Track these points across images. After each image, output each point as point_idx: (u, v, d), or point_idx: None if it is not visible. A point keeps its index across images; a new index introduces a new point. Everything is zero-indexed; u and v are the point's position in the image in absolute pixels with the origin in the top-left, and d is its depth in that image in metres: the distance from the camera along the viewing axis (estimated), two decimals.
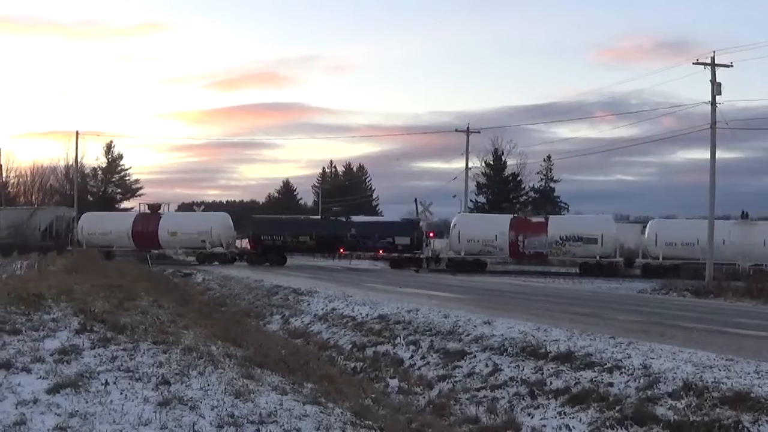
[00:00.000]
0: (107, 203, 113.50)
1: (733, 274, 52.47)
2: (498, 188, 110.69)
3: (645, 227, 65.41)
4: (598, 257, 63.65)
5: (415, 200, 74.16)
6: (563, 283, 52.77)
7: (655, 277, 53.76)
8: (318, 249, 71.04)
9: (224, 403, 10.02)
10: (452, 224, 68.94)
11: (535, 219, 68.93)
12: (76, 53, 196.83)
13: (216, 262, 67.63)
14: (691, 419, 12.20)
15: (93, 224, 72.48)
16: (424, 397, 17.12)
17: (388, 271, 64.46)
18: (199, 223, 71.92)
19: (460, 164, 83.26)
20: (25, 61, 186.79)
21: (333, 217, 74.15)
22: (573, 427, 13.44)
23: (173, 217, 74.95)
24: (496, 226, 66.70)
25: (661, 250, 61.93)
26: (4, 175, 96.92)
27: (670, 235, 62.75)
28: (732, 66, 52.83)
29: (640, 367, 15.28)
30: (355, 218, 73.94)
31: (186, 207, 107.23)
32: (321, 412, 10.28)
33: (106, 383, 10.63)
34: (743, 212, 65.21)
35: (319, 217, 78.14)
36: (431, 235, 68.16)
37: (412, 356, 20.86)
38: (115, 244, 70.11)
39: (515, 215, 70.97)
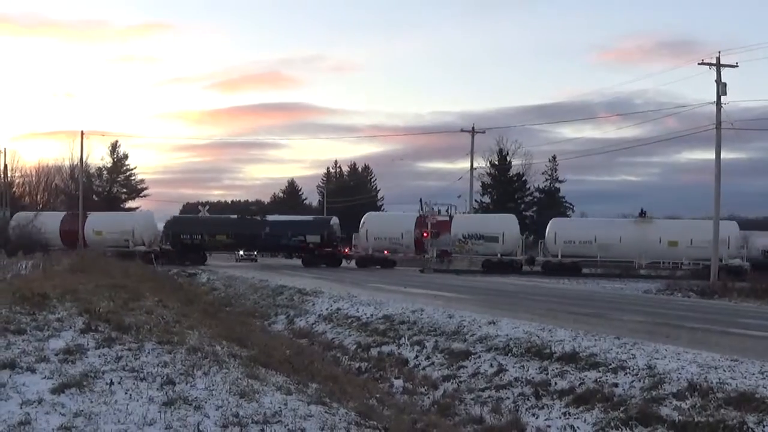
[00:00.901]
0: (112, 203, 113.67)
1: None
2: (503, 188, 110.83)
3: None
4: (499, 255, 67.08)
5: (420, 200, 74.41)
6: (568, 283, 52.73)
7: (555, 275, 58.78)
8: (235, 247, 72.15)
9: (229, 403, 10.02)
10: (361, 223, 72.06)
11: (439, 218, 72.32)
12: (80, 54, 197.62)
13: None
14: (695, 420, 12.19)
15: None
16: (428, 398, 17.11)
17: (300, 267, 66.26)
18: (123, 223, 74.54)
19: (464, 164, 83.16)
20: (29, 62, 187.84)
21: (249, 216, 77.02)
22: (578, 427, 13.43)
23: (99, 217, 77.09)
24: (402, 225, 70.66)
25: (560, 248, 65.46)
26: (9, 175, 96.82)
27: (569, 233, 66.64)
28: (737, 66, 52.85)
29: (645, 367, 15.27)
30: (270, 217, 76.08)
31: (191, 207, 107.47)
32: (325, 412, 10.28)
33: (111, 383, 10.63)
34: (641, 210, 69.49)
35: (236, 216, 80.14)
36: (437, 235, 68.23)
37: (416, 356, 20.85)
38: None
39: (420, 214, 73.82)
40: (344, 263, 72.72)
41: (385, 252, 71.26)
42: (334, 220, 75.12)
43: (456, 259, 70.65)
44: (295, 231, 71.84)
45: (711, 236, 57.26)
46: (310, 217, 77.57)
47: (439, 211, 72.68)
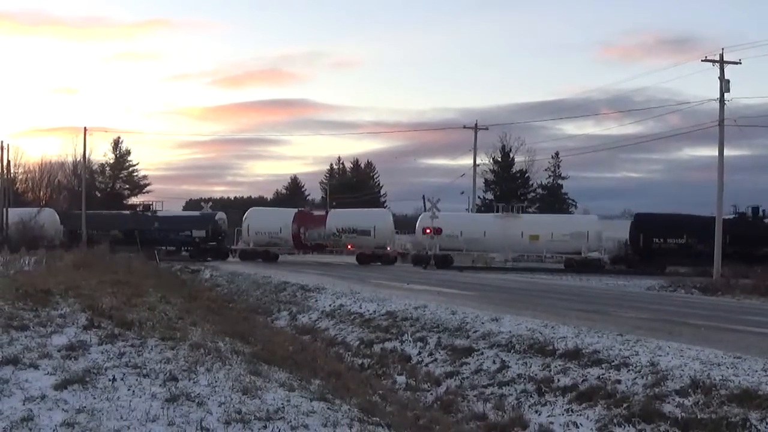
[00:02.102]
0: (115, 199, 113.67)
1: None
2: (506, 185, 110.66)
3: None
4: (371, 247, 70.15)
5: (423, 197, 74.58)
6: (570, 280, 52.70)
7: (440, 267, 62.08)
8: (125, 242, 73.13)
9: (232, 399, 10.03)
10: (244, 218, 74.48)
11: (316, 212, 77.42)
12: (82, 50, 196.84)
13: None
14: (698, 417, 12.19)
15: None
16: (431, 394, 17.13)
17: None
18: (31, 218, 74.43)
19: (466, 161, 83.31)
20: (31, 58, 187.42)
21: (141, 212, 78.15)
22: (580, 424, 13.43)
23: (9, 214, 77.27)
24: (281, 220, 72.72)
25: (438, 242, 67.54)
26: (12, 171, 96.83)
27: (447, 227, 68.01)
28: (740, 63, 52.80)
29: (648, 364, 15.26)
30: (161, 213, 77.94)
31: (193, 203, 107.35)
32: (328, 408, 10.27)
33: (114, 379, 10.64)
34: (511, 205, 72.27)
35: (128, 212, 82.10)
36: (439, 231, 68.24)
37: (419, 353, 20.85)
38: None
39: (299, 209, 78.95)
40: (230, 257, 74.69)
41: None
42: (220, 215, 77.42)
43: (333, 252, 75.93)
44: (183, 226, 74.90)
45: (570, 231, 66.15)
46: (196, 213, 79.47)
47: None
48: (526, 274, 59.39)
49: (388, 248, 71.23)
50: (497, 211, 71.51)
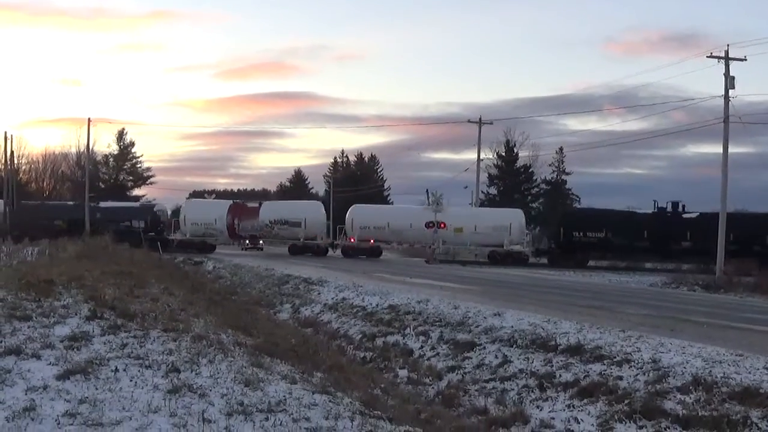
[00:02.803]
0: (119, 191, 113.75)
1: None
2: (510, 180, 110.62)
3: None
4: (302, 239, 71.94)
5: (426, 191, 74.63)
6: (574, 276, 52.73)
7: (354, 257, 64.33)
8: (69, 232, 73.89)
9: (234, 391, 10.03)
10: (181, 208, 77.55)
11: (250, 204, 78.91)
12: (86, 41, 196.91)
13: None
14: (699, 414, 12.21)
15: None
16: (433, 388, 17.15)
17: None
18: None
19: (469, 155, 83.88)
20: (36, 49, 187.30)
21: (78, 204, 78.93)
22: (582, 419, 13.44)
23: None
24: (216, 211, 74.80)
25: (357, 233, 70.75)
26: (15, 161, 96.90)
27: (365, 219, 71.53)
28: (746, 60, 52.69)
29: (650, 361, 15.27)
30: (103, 203, 79.87)
31: (197, 195, 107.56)
32: (330, 401, 10.28)
33: (116, 370, 10.65)
34: (432, 198, 72.88)
35: (72, 203, 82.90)
36: (442, 226, 68.25)
37: (421, 347, 20.88)
38: None
39: (234, 201, 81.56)
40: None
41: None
42: (160, 206, 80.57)
43: (267, 243, 77.49)
44: (123, 216, 76.47)
45: (493, 224, 68.78)
46: (136, 204, 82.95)
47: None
48: (529, 269, 59.42)
49: (319, 239, 73.02)
50: (427, 204, 73.24)
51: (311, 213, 74.50)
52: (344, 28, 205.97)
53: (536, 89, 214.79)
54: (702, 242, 58.12)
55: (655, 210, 65.70)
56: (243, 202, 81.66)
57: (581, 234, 66.74)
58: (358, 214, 72.60)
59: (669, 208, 65.10)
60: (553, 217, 77.84)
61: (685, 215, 64.38)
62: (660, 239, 62.79)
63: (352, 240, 71.71)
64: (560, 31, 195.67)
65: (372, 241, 70.91)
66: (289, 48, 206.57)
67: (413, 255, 74.82)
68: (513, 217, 70.65)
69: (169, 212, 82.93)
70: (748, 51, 55.29)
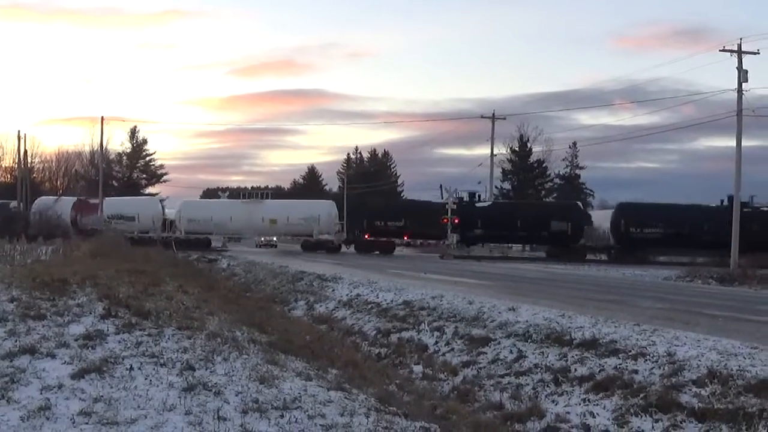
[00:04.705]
0: (132, 189, 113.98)
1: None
2: (523, 175, 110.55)
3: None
4: (136, 232, 75.73)
5: (440, 186, 74.61)
6: (587, 269, 52.66)
7: (181, 249, 65.55)
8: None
9: (249, 388, 10.04)
10: (33, 206, 79.29)
11: (91, 201, 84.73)
12: (99, 40, 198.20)
13: None
14: (715, 407, 12.15)
15: None
16: (448, 384, 17.11)
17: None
18: None
19: (482, 151, 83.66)
20: (48, 48, 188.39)
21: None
22: (597, 414, 13.40)
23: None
24: (61, 208, 77.22)
25: (184, 225, 76.64)
26: (29, 160, 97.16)
27: (193, 213, 77.56)
28: (759, 53, 52.59)
29: (665, 354, 15.22)
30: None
31: (211, 193, 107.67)
32: (345, 398, 10.28)
33: (131, 368, 10.67)
34: (254, 192, 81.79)
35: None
36: (456, 221, 68.36)
37: (436, 342, 20.84)
38: None
39: (78, 198, 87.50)
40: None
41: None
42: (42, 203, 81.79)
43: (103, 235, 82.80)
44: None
45: (305, 215, 74.89)
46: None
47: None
48: (543, 263, 59.40)
49: (152, 234, 76.20)
50: (243, 197, 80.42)
51: (146, 208, 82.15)
52: (355, 25, 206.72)
53: (547, 85, 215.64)
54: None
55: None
56: (86, 199, 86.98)
57: (383, 224, 72.68)
58: (187, 208, 79.15)
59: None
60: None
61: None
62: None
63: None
64: (570, 27, 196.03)
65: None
66: (301, 45, 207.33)
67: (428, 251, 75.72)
68: (323, 209, 76.99)
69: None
70: (759, 45, 55.22)
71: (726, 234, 55.73)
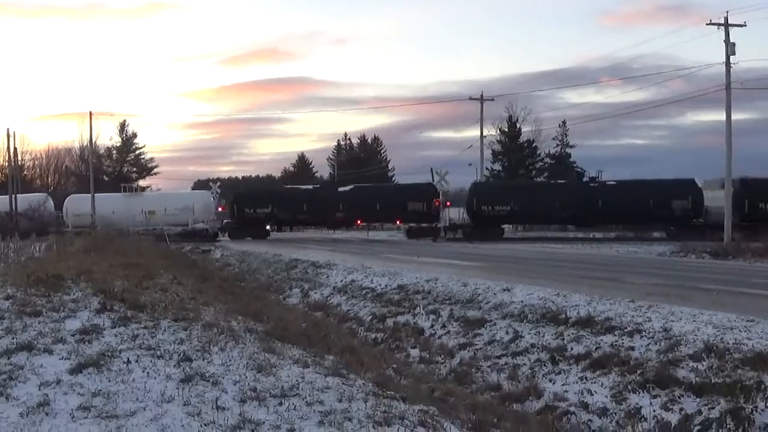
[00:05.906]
0: (123, 183, 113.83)
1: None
2: (514, 155, 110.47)
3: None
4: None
5: (431, 169, 74.56)
6: (581, 247, 52.72)
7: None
8: None
9: (246, 377, 10.06)
10: None
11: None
12: (84, 36, 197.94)
13: None
14: (712, 381, 12.18)
15: None
16: (445, 366, 17.14)
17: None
18: None
19: (472, 133, 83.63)
20: (34, 45, 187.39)
21: None
22: (595, 391, 13.43)
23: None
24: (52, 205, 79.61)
25: (71, 220, 76.62)
26: (19, 158, 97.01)
27: (79, 208, 78.17)
28: (745, 25, 52.61)
29: (661, 330, 15.26)
30: None
31: (201, 184, 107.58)
32: (343, 383, 10.30)
33: (128, 362, 10.68)
34: (133, 186, 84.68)
35: None
36: (448, 204, 68.47)
37: (432, 325, 20.86)
38: None
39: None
40: None
41: None
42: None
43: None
44: None
45: (181, 205, 77.50)
46: None
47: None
48: (537, 243, 59.49)
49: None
50: (124, 191, 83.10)
51: None
52: (339, 11, 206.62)
53: (534, 64, 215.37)
54: None
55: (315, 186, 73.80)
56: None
57: (252, 210, 76.45)
58: (72, 203, 79.89)
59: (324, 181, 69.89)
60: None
61: (340, 189, 71.40)
62: (317, 211, 74.10)
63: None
64: (556, 5, 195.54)
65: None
66: (286, 33, 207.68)
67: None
68: (198, 199, 79.80)
69: None
70: (746, 17, 55.25)
71: (576, 208, 65.89)
